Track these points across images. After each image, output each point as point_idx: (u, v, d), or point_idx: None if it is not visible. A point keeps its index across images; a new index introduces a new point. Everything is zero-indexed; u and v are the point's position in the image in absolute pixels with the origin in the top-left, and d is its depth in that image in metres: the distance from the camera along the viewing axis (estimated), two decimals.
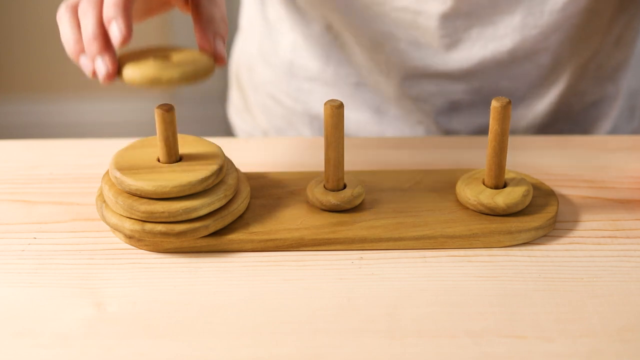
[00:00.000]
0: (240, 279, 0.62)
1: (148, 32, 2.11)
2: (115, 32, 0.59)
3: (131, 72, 0.60)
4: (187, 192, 0.63)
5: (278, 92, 0.98)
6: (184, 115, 1.90)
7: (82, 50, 0.61)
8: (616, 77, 0.94)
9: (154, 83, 0.60)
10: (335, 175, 0.67)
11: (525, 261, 0.63)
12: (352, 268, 0.63)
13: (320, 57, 0.93)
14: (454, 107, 0.92)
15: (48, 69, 2.22)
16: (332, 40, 0.92)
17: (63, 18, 0.63)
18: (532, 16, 0.85)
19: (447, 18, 0.85)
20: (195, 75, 0.61)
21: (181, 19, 2.09)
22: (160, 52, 0.63)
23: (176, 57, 0.62)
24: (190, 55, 0.62)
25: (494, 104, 0.64)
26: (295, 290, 0.60)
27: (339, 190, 0.67)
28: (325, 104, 0.64)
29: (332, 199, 0.66)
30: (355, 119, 0.95)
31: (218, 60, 0.64)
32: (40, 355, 0.55)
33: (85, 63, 0.61)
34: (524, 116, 0.93)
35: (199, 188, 0.63)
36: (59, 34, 0.62)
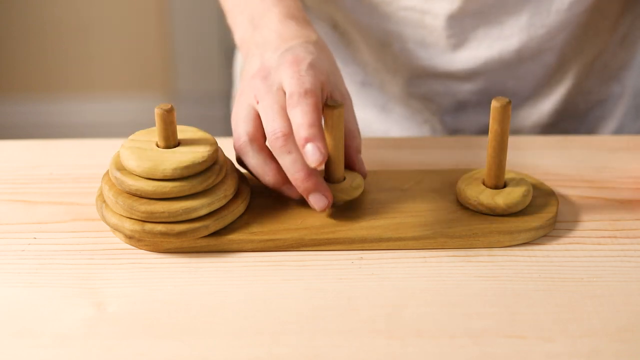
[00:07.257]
0: (240, 279, 0.62)
1: (148, 29, 2.11)
2: (316, 154, 0.61)
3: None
4: (187, 192, 0.63)
5: None
6: (184, 115, 1.90)
7: (285, 182, 0.65)
8: (621, 76, 0.94)
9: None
10: (335, 175, 0.67)
11: (525, 261, 0.63)
12: (352, 268, 0.63)
13: None
14: (460, 107, 0.92)
15: (48, 69, 2.22)
16: (338, 39, 0.92)
17: (249, 152, 0.65)
18: (538, 15, 0.85)
19: (454, 18, 0.85)
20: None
21: (181, 18, 2.09)
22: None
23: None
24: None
25: (494, 104, 0.64)
26: (295, 290, 0.60)
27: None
28: (325, 104, 0.64)
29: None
30: (361, 118, 0.95)
31: (363, 175, 0.69)
32: (40, 355, 0.55)
33: (290, 191, 0.66)
34: (529, 115, 0.93)
35: (199, 188, 0.63)
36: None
